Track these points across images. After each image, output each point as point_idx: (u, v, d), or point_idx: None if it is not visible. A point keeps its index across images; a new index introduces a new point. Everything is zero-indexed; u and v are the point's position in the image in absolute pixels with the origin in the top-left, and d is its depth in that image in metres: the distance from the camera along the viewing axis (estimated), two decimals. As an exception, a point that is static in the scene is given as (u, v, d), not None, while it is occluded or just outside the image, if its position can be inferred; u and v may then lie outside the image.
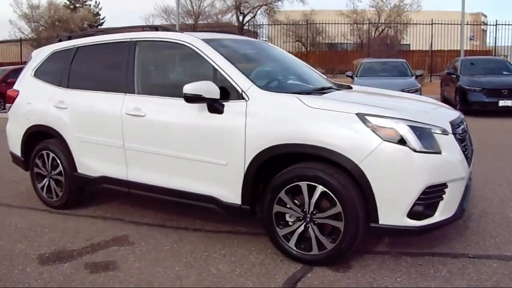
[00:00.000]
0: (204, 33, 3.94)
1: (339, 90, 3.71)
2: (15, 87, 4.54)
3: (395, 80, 10.32)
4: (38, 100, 4.18)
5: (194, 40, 3.40)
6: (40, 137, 4.23)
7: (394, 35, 23.02)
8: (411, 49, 23.93)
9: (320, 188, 2.79)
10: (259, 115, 2.99)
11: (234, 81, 3.12)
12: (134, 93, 3.58)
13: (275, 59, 4.04)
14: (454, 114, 3.36)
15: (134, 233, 3.56)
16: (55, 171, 4.11)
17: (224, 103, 3.10)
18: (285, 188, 2.90)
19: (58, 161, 4.05)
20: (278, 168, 2.99)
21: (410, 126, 2.71)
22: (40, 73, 4.33)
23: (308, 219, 2.86)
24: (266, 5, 28.60)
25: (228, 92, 3.11)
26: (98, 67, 4.03)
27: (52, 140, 4.13)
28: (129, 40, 3.74)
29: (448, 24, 20.64)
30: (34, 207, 4.28)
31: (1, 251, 3.25)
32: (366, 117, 2.74)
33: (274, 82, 3.56)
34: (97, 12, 32.76)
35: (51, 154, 4.09)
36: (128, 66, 3.64)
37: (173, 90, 3.40)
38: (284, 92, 3.18)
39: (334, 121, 2.79)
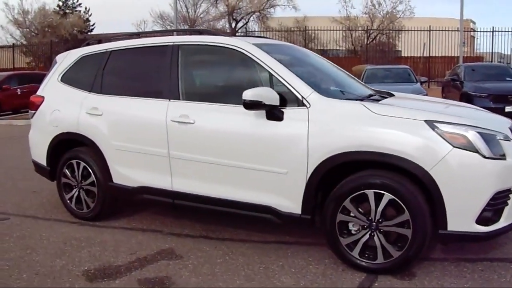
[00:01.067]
0: (251, 37, 3.82)
1: (389, 97, 3.63)
2: (39, 93, 4.31)
3: (402, 86, 10.32)
4: (67, 107, 3.98)
5: (245, 45, 3.29)
6: (69, 146, 4.03)
7: (389, 42, 23.23)
8: (402, 55, 24.20)
9: (387, 196, 2.73)
10: (323, 122, 2.92)
11: (293, 88, 3.04)
12: (179, 99, 3.43)
13: (318, 65, 3.94)
14: (508, 120, 3.35)
15: (179, 245, 3.39)
16: (86, 181, 3.91)
17: (283, 110, 3.01)
18: (351, 197, 2.83)
19: (90, 171, 3.85)
20: (337, 177, 2.91)
21: (479, 133, 2.71)
22: (68, 78, 4.13)
23: (373, 228, 2.80)
24: (258, 11, 28.64)
25: (285, 99, 3.02)
26: (136, 72, 3.86)
27: (83, 149, 3.94)
28: (171, 44, 3.59)
29: (446, 30, 20.93)
30: (62, 219, 4.07)
31: (41, 267, 3.05)
32: (436, 124, 2.71)
33: (328, 89, 3.45)
34: (87, 19, 32.36)
35: (82, 164, 3.89)
36: (171, 71, 3.49)
37: (224, 97, 3.31)
38: (341, 99, 3.13)
39: (403, 128, 2.73)
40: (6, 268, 3.05)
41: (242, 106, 3.02)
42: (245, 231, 3.65)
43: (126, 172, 3.67)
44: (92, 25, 32.55)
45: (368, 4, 27.42)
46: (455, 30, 19.92)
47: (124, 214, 4.10)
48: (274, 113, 3.00)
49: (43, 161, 4.18)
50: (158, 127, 3.42)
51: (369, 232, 2.81)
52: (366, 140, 2.76)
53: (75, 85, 4.04)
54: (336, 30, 24.91)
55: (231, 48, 3.33)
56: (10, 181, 5.58)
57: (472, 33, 29.30)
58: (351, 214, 2.85)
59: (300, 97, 3.00)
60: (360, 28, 26.19)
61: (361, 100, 3.18)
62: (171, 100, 3.46)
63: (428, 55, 20.77)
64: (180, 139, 3.37)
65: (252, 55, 3.22)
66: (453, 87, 12.16)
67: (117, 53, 3.91)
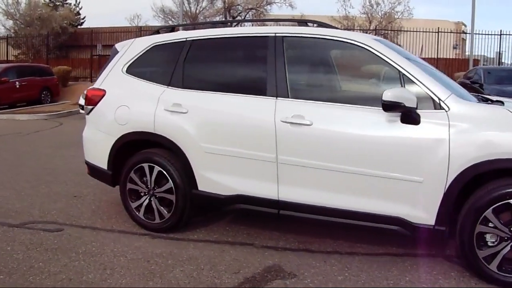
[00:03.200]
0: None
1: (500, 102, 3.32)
2: (98, 85, 3.78)
3: None
4: (138, 102, 3.49)
5: (369, 41, 2.95)
6: (138, 147, 3.55)
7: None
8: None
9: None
10: (465, 127, 2.63)
11: (429, 89, 2.75)
12: (287, 97, 3.02)
13: (426, 66, 3.58)
14: None
15: (283, 261, 2.99)
16: (161, 188, 3.43)
17: (419, 112, 2.69)
18: (493, 207, 2.56)
19: (168, 176, 3.37)
20: (471, 185, 2.65)
21: None
22: (136, 70, 3.62)
23: (516, 240, 2.53)
24: (255, 8, 28.19)
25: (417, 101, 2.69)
26: (227, 65, 3.41)
27: (159, 151, 3.45)
28: (272, 35, 3.17)
29: (455, 32, 20.97)
30: (127, 230, 3.60)
31: (136, 292, 2.60)
32: None
33: (458, 91, 3.11)
34: (78, 12, 31.28)
35: (157, 168, 3.41)
36: (277, 66, 3.08)
37: (345, 96, 2.98)
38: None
39: None
40: (93, 294, 2.59)
41: (367, 107, 2.79)
42: (346, 242, 3.29)
43: (218, 179, 3.21)
44: (83, 19, 31.55)
45: (366, 4, 27.33)
46: (464, 32, 19.95)
47: (196, 225, 3.65)
48: (411, 116, 2.68)
49: (102, 164, 3.67)
50: (264, 128, 3.01)
51: (510, 244, 2.56)
52: None
53: (147, 78, 3.55)
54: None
55: (350, 43, 2.98)
56: (42, 184, 5.04)
57: (463, 36, 29.57)
58: (490, 225, 2.59)
59: (437, 100, 2.74)
60: (358, 28, 26.03)
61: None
62: (279, 98, 3.05)
63: (436, 57, 20.70)
64: (293, 142, 2.96)
65: (380, 52, 2.88)
66: (471, 89, 12.02)
67: (200, 43, 3.44)
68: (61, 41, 24.83)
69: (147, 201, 3.51)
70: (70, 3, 31.06)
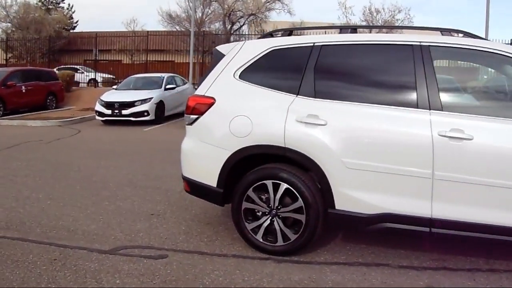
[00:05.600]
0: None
1: None
2: (203, 92, 3.30)
3: None
4: (262, 112, 3.07)
5: None
6: (256, 162, 3.13)
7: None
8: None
9: None
10: None
11: None
12: (441, 109, 2.78)
13: None
14: None
15: (434, 281, 2.75)
16: (288, 207, 3.00)
17: None
18: None
19: (297, 194, 2.95)
20: None
21: None
22: (251, 76, 3.20)
23: None
24: (254, 14, 27.93)
25: None
26: (368, 74, 3.07)
27: (285, 166, 3.03)
28: (417, 43, 2.92)
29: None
30: (242, 254, 3.14)
31: None
32: None
33: None
34: (71, 16, 30.43)
35: (284, 185, 2.98)
36: (426, 77, 2.84)
37: (502, 110, 2.82)
38: None
39: None
40: None
41: None
42: (475, 258, 3.04)
43: (360, 196, 2.84)
44: (75, 23, 30.74)
45: (366, 11, 27.42)
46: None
47: (313, 246, 3.23)
48: None
49: (210, 180, 3.20)
50: (419, 142, 2.73)
51: None
52: None
53: (268, 85, 3.13)
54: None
55: (505, 56, 2.77)
56: (104, 200, 4.52)
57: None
58: None
59: None
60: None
61: None
62: (432, 110, 2.78)
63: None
64: (451, 157, 2.69)
65: None
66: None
67: (332, 49, 3.09)
68: (61, 45, 24.04)
69: (267, 221, 3.07)
70: (63, 7, 30.30)
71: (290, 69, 3.16)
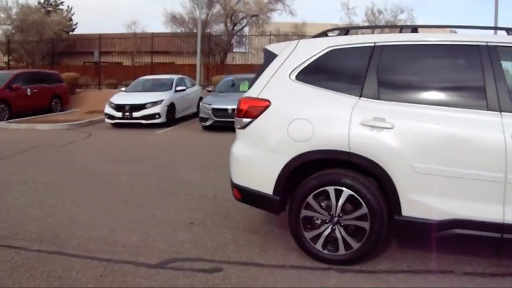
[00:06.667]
0: None
1: None
2: (256, 95, 3.10)
3: None
4: (324, 115, 2.89)
5: None
6: (311, 168, 2.93)
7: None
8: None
9: None
10: None
11: None
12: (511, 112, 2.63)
13: None
14: None
15: None
16: (351, 215, 2.82)
17: None
18: None
19: (362, 201, 2.77)
20: None
21: None
22: (309, 77, 3.01)
23: None
24: (256, 15, 27.75)
25: None
26: (435, 76, 2.91)
27: (347, 172, 2.84)
28: (483, 44, 2.80)
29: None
30: (299, 264, 2.96)
31: None
32: None
33: None
34: (70, 18, 30.07)
35: (346, 191, 2.80)
36: (496, 78, 2.74)
37: None
38: None
39: None
40: None
41: None
42: None
43: (430, 202, 2.69)
44: (75, 25, 30.40)
45: (368, 12, 27.29)
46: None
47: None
48: None
49: (265, 187, 2.99)
50: (491, 145, 2.61)
51: None
52: None
53: (328, 87, 2.94)
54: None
55: None
56: (136, 208, 4.29)
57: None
58: None
59: None
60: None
61: None
62: (503, 112, 2.66)
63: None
64: None
65: None
66: None
67: (395, 49, 2.93)
68: (63, 47, 23.74)
69: (328, 230, 2.88)
70: (62, 9, 29.95)
71: (350, 70, 3.00)
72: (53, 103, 13.79)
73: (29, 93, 12.59)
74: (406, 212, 2.74)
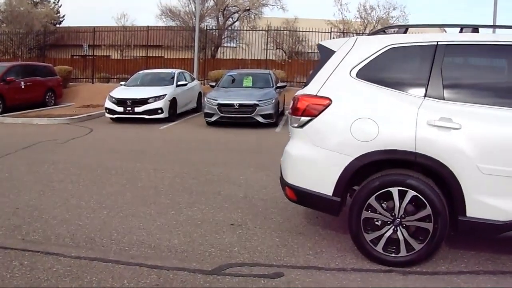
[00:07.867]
0: None
1: None
2: (315, 92, 2.97)
3: None
4: (389, 115, 2.80)
5: None
6: (371, 168, 2.85)
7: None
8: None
9: None
10: None
11: None
12: None
13: None
14: None
15: None
16: (414, 216, 2.77)
17: None
18: None
19: (426, 202, 2.71)
20: None
21: None
22: (370, 75, 2.91)
23: None
24: (249, 10, 27.48)
25: None
26: (502, 76, 2.90)
27: (411, 172, 2.78)
28: None
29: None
30: (359, 267, 2.87)
31: None
32: None
33: None
34: (57, 10, 29.20)
35: (410, 192, 2.72)
36: None
37: None
38: None
39: None
40: None
41: None
42: None
43: (496, 203, 2.67)
44: (62, 17, 29.56)
45: (360, 8, 27.28)
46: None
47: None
48: None
49: (324, 188, 2.89)
50: None
51: None
52: None
53: (390, 85, 2.86)
54: (324, 32, 24.20)
55: None
56: (167, 208, 4.12)
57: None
58: None
59: None
60: (354, 32, 25.89)
61: None
62: None
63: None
64: None
65: None
66: None
67: (459, 49, 2.90)
68: (52, 39, 23.04)
69: (390, 231, 2.80)
70: (49, 1, 29.07)
71: (413, 69, 2.94)
72: (47, 97, 13.35)
73: (23, 86, 12.14)
74: (471, 213, 2.70)
